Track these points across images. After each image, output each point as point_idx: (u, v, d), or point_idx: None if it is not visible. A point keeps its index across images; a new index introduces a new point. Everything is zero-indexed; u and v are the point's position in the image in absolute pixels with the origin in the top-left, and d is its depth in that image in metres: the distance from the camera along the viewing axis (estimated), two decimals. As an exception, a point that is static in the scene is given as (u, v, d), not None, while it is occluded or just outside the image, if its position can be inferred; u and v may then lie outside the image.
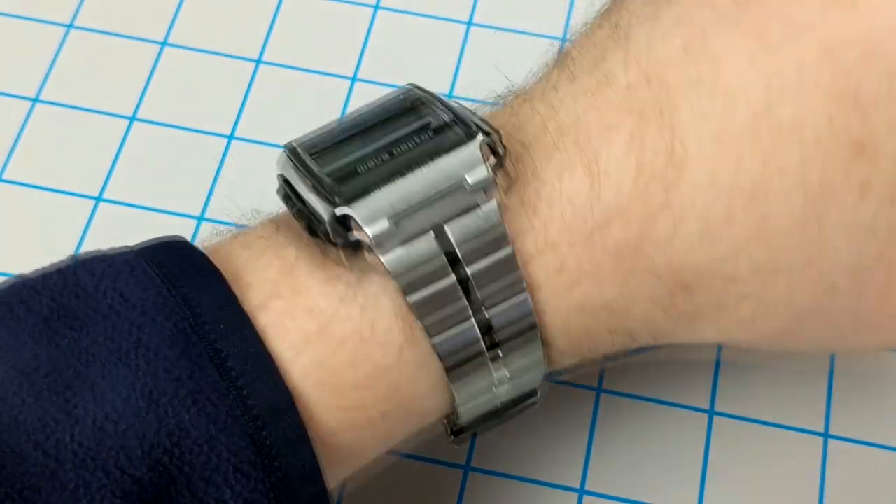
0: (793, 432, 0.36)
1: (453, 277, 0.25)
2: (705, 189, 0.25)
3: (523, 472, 0.35)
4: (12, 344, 0.24)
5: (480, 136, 0.25)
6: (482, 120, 0.26)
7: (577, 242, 0.26)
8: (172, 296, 0.25)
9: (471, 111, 0.27)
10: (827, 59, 0.24)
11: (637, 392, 0.37)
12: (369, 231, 0.24)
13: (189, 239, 0.28)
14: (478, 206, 0.25)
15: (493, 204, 0.25)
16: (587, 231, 0.25)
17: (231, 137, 0.41)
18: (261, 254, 0.27)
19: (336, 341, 0.25)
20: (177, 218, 0.39)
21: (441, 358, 0.26)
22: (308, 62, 0.43)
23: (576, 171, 0.26)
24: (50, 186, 0.40)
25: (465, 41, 0.43)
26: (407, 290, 0.25)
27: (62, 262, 0.26)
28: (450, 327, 0.25)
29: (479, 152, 0.25)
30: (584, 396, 0.36)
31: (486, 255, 0.25)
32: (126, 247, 0.27)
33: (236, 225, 0.29)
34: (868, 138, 0.24)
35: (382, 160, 0.25)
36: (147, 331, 0.24)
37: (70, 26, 0.43)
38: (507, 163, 0.26)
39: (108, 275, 0.25)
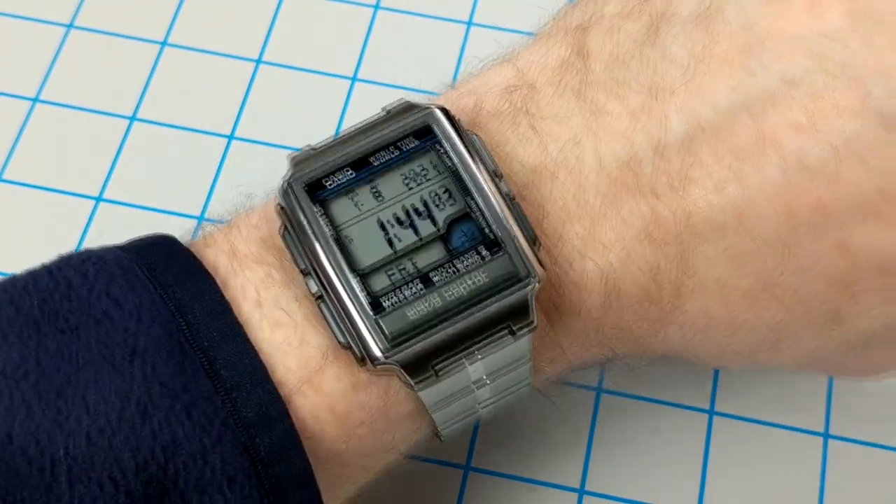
0: (793, 432, 0.36)
1: (475, 394, 0.26)
2: (695, 317, 0.27)
3: (523, 472, 0.35)
4: (0, 343, 0.24)
5: (534, 283, 0.25)
6: (530, 232, 0.25)
7: (585, 346, 0.28)
8: (165, 302, 0.25)
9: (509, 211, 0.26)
10: (843, 257, 0.26)
11: (637, 392, 0.37)
12: (414, 382, 0.25)
13: (189, 239, 0.28)
14: (512, 340, 0.25)
15: (527, 339, 0.26)
16: (591, 342, 0.28)
17: (231, 137, 0.41)
18: (249, 270, 0.26)
19: (333, 376, 0.26)
20: (177, 218, 0.39)
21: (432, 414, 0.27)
22: (308, 62, 0.43)
23: (593, 294, 0.26)
24: (50, 186, 0.40)
25: (465, 41, 0.43)
26: (431, 408, 0.26)
27: (52, 261, 0.26)
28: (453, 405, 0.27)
29: (531, 301, 0.25)
30: (584, 396, 0.36)
31: (507, 371, 0.26)
32: (114, 246, 0.27)
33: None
34: (845, 311, 0.27)
35: (427, 287, 0.25)
36: (142, 339, 0.24)
37: (70, 26, 0.43)
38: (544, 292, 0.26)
39: (101, 278, 0.25)
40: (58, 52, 0.43)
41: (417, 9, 0.44)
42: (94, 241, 0.39)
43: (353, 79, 0.42)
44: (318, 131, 0.41)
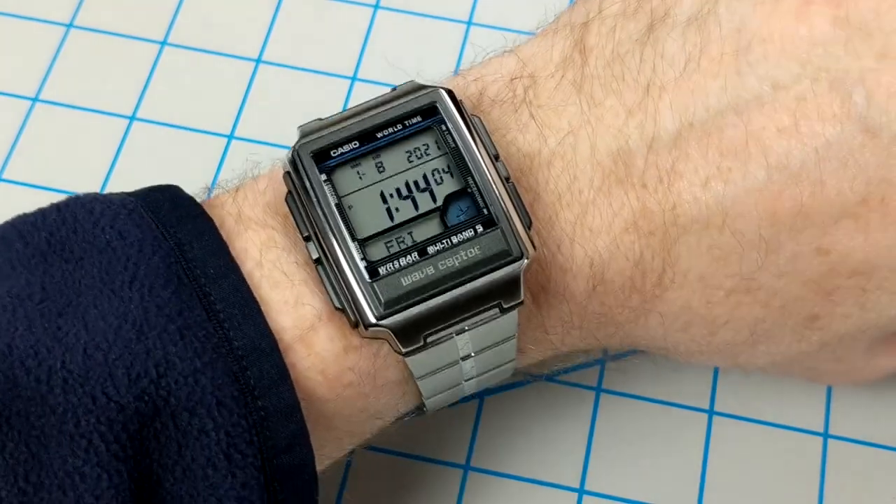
0: (793, 432, 0.36)
1: (460, 365, 0.27)
2: (676, 312, 0.28)
3: (523, 472, 0.35)
4: (7, 273, 0.25)
5: (525, 261, 0.26)
6: (524, 213, 0.26)
7: (567, 329, 0.29)
8: (166, 238, 0.26)
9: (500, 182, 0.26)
10: (822, 261, 0.27)
11: (637, 392, 0.37)
12: (403, 349, 0.26)
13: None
14: (499, 316, 0.26)
15: (514, 316, 0.27)
16: (574, 326, 0.29)
17: (231, 137, 0.41)
18: (252, 232, 0.27)
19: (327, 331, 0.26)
20: (177, 218, 0.39)
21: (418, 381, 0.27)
22: (308, 62, 0.43)
23: (579, 278, 0.27)
24: (50, 186, 0.40)
25: (464, 41, 0.43)
26: (418, 377, 0.27)
27: (61, 200, 0.27)
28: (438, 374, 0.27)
29: (521, 278, 0.26)
30: (584, 396, 0.36)
31: (492, 347, 0.27)
32: (122, 192, 0.28)
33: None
34: (822, 313, 0.28)
35: (423, 258, 0.26)
36: (142, 267, 0.25)
37: (70, 26, 0.43)
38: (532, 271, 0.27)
39: (107, 214, 0.26)
40: (58, 52, 0.43)
41: (417, 9, 0.44)
42: (93, 241, 0.39)
43: (353, 79, 0.42)
44: (318, 131, 0.41)
